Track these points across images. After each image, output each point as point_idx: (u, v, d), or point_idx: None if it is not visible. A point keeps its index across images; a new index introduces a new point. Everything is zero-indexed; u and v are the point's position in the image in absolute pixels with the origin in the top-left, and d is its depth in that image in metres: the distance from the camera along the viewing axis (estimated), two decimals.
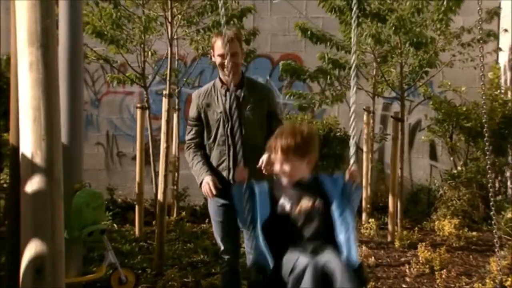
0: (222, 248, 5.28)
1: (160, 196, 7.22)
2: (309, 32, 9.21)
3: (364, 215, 10.17)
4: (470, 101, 10.77)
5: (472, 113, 10.58)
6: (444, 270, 7.28)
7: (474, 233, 9.63)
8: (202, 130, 5.25)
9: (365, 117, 10.37)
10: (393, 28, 8.52)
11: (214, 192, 4.88)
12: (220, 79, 5.27)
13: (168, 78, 7.41)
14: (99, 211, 6.00)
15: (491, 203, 5.42)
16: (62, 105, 5.76)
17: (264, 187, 3.99)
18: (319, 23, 10.83)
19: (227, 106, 5.15)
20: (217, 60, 5.20)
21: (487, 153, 5.60)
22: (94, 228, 5.86)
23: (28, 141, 3.27)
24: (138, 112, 8.80)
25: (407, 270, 7.57)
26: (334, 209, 3.84)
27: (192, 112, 5.31)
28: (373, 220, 9.72)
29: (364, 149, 10.41)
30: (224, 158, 5.17)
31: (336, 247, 3.74)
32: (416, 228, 9.53)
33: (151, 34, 8.78)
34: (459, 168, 10.84)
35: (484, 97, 4.81)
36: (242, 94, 5.20)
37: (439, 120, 10.81)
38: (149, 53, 9.08)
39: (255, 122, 5.14)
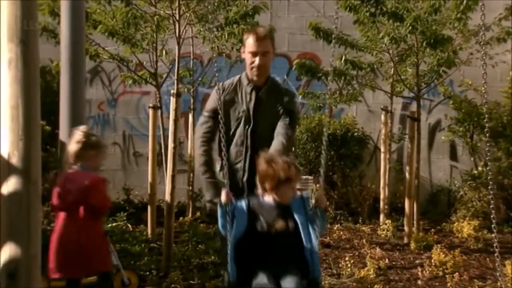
0: None
1: (167, 197, 7.12)
2: (321, 32, 9.07)
3: (381, 216, 10.02)
4: (491, 100, 10.55)
5: (493, 112, 10.39)
6: (457, 273, 7.10)
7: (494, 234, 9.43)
8: (217, 125, 5.01)
9: (383, 117, 10.22)
10: (410, 27, 8.36)
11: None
12: (247, 76, 5.12)
13: (176, 77, 7.31)
14: None
15: None
16: (63, 105, 5.78)
17: (243, 205, 4.31)
18: (337, 22, 10.65)
19: (251, 106, 5.03)
20: (247, 57, 5.07)
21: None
22: None
23: (6, 141, 3.19)
24: (151, 112, 8.72)
25: (420, 273, 7.41)
26: (301, 230, 4.23)
27: (212, 104, 5.01)
28: (389, 221, 9.57)
29: (382, 149, 10.24)
30: (240, 159, 5.04)
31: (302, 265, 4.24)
32: (432, 230, 9.34)
33: (163, 33, 8.71)
34: (479, 168, 10.63)
35: (486, 96, 4.57)
36: (262, 96, 5.06)
37: (459, 119, 10.61)
38: (163, 52, 9.00)
39: (269, 126, 4.99)
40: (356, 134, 10.97)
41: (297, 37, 11.53)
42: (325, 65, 9.98)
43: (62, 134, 5.80)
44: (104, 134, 11.59)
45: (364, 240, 8.95)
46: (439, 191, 11.41)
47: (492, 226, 4.24)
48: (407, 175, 9.17)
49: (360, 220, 10.47)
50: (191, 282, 6.81)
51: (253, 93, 5.04)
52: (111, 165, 11.40)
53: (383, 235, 9.47)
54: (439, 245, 8.05)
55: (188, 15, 7.56)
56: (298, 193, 4.41)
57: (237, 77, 5.19)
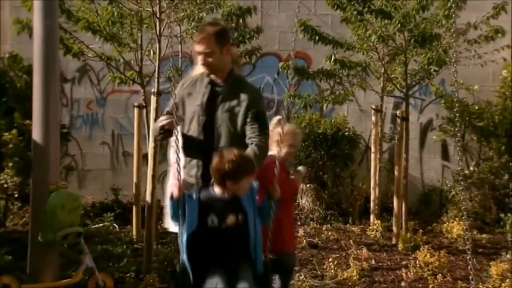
0: None
1: (148, 197, 7.04)
2: (311, 30, 8.97)
3: (372, 217, 9.93)
4: (483, 99, 10.46)
5: (484, 112, 10.29)
6: (440, 275, 7.01)
7: (484, 235, 9.38)
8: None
9: (373, 117, 10.11)
10: (399, 25, 8.27)
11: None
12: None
13: (157, 76, 7.22)
14: (75, 213, 5.78)
15: None
16: (36, 104, 5.68)
17: (194, 201, 4.31)
18: (328, 20, 10.59)
19: (205, 99, 4.94)
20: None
21: None
22: (69, 231, 5.66)
23: None
24: (136, 111, 8.65)
25: (404, 274, 7.31)
26: (249, 222, 4.35)
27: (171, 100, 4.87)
28: (378, 222, 9.49)
29: (373, 149, 10.14)
30: (194, 154, 4.92)
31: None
32: (420, 230, 9.24)
33: (150, 32, 8.62)
34: (471, 168, 10.53)
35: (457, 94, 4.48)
36: (221, 92, 4.96)
37: (451, 119, 10.51)
38: (151, 51, 8.89)
39: (226, 122, 4.87)
40: (347, 133, 10.87)
41: (288, 36, 11.41)
42: (316, 64, 9.88)
43: (35, 133, 5.70)
44: (93, 133, 11.53)
45: (351, 241, 8.85)
46: (431, 191, 11.30)
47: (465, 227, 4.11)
48: (396, 174, 9.07)
49: (350, 221, 10.37)
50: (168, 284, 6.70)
51: (208, 87, 4.97)
52: (100, 164, 11.33)
53: (372, 236, 9.40)
54: (426, 246, 7.96)
55: (170, 12, 7.45)
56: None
57: (200, 73, 5.12)
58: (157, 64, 7.34)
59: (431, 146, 11.47)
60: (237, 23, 8.98)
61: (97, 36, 8.31)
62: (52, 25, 5.73)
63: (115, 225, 9.64)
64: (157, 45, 7.32)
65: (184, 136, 4.97)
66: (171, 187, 4.54)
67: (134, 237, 8.75)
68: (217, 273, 4.21)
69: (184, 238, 4.27)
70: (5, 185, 8.83)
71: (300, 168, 5.90)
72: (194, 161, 4.92)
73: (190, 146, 4.93)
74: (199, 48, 4.85)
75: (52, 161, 5.73)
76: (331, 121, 10.93)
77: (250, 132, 4.80)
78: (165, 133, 4.82)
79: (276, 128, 5.25)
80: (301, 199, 10.53)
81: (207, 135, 4.88)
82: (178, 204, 4.29)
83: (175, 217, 4.33)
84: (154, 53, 8.83)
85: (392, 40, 8.74)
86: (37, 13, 5.68)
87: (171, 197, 4.30)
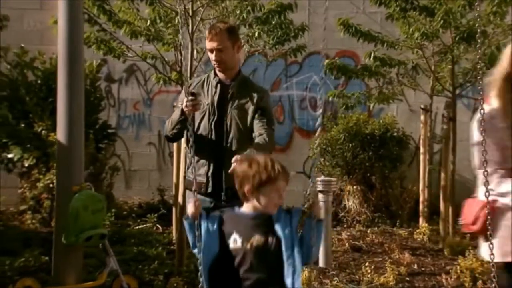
0: None
1: (180, 199, 6.97)
2: (353, 28, 8.75)
3: (421, 220, 9.65)
4: None
5: None
6: (480, 281, 6.72)
7: None
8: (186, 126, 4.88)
9: (422, 117, 9.83)
10: (441, 21, 7.99)
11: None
12: (215, 72, 4.98)
13: (188, 75, 7.13)
14: (99, 215, 5.73)
15: None
16: (60, 105, 5.65)
17: (213, 222, 3.55)
18: (377, 18, 10.35)
19: (216, 99, 4.87)
20: (208, 54, 4.97)
21: None
22: (93, 233, 5.61)
23: None
24: None
25: (444, 280, 7.05)
26: (284, 250, 3.44)
27: (180, 101, 4.87)
28: (425, 225, 9.22)
29: (421, 150, 9.85)
30: (204, 153, 4.82)
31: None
32: (468, 234, 8.89)
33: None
34: None
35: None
36: (231, 90, 4.89)
37: None
38: (195, 51, 8.82)
39: (236, 121, 4.82)
40: (395, 134, 10.61)
41: (335, 34, 11.19)
42: (364, 62, 9.67)
43: (59, 134, 5.67)
44: (140, 133, 11.56)
45: (394, 245, 8.61)
46: None
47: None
48: (442, 176, 8.78)
49: (398, 223, 10.12)
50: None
51: (218, 86, 4.90)
52: (147, 165, 11.34)
53: (419, 239, 9.13)
54: (472, 251, 7.65)
55: (203, 11, 7.36)
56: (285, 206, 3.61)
57: (206, 74, 5.09)
58: (189, 64, 7.26)
59: None
60: (279, 20, 8.79)
61: (139, 36, 8.29)
62: (77, 26, 5.68)
63: (158, 226, 9.63)
64: (189, 44, 7.22)
65: (194, 135, 4.86)
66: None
67: (174, 239, 8.68)
68: None
69: (204, 267, 3.49)
70: (51, 185, 8.89)
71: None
72: (203, 160, 4.83)
73: (200, 145, 4.82)
74: (211, 44, 4.78)
75: (76, 162, 5.70)
76: (379, 122, 10.68)
77: (259, 126, 4.74)
78: (184, 120, 4.72)
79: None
80: (348, 201, 10.33)
81: (217, 134, 4.82)
82: (195, 226, 3.56)
83: (194, 242, 3.56)
84: (198, 52, 8.78)
85: (437, 38, 8.45)
86: (61, 13, 5.65)
87: (185, 218, 3.64)
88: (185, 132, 4.85)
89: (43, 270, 6.40)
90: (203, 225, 3.54)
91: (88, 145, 9.47)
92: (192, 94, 4.67)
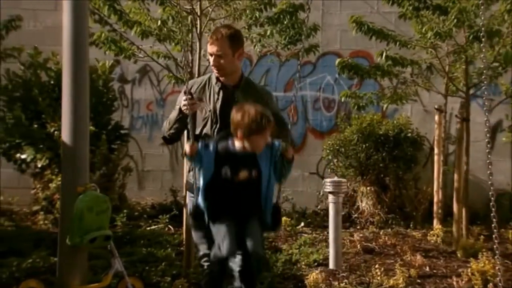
0: (201, 253, 4.97)
1: (187, 200, 6.90)
2: (365, 26, 8.67)
3: (435, 221, 9.56)
4: None
5: None
6: (491, 284, 6.60)
7: None
8: (185, 125, 4.88)
9: (436, 117, 9.73)
10: (455, 20, 7.89)
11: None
12: (216, 76, 4.93)
13: (196, 75, 7.09)
14: (104, 216, 5.65)
15: None
16: (64, 105, 5.62)
17: (211, 151, 4.42)
18: (391, 18, 10.25)
19: (218, 106, 4.81)
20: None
21: None
22: (97, 234, 5.54)
23: None
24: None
25: (455, 283, 6.94)
26: (262, 178, 4.46)
27: (179, 102, 4.88)
28: (439, 227, 9.12)
29: (436, 150, 9.76)
30: None
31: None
32: (482, 236, 8.77)
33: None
34: None
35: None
36: (236, 96, 4.83)
37: None
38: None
39: None
40: (410, 135, 10.51)
41: (349, 34, 11.12)
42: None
43: (64, 134, 5.64)
44: (153, 134, 11.54)
45: (406, 247, 8.51)
46: (501, 195, 10.77)
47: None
48: (455, 177, 8.68)
49: (412, 225, 10.02)
50: None
51: (221, 93, 4.85)
52: (160, 166, 11.32)
53: (432, 241, 9.04)
54: (485, 253, 7.54)
55: (211, 11, 7.32)
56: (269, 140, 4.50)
57: (207, 76, 5.05)
58: (197, 64, 7.22)
59: (500, 148, 10.99)
60: (290, 20, 8.73)
61: (150, 36, 8.27)
62: (81, 26, 5.65)
63: (170, 227, 9.62)
64: (198, 44, 7.19)
65: (196, 136, 4.84)
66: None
67: (184, 240, 8.64)
68: (226, 223, 4.40)
69: (201, 183, 4.44)
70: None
71: None
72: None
73: None
74: (211, 49, 4.76)
75: (81, 163, 5.65)
76: (394, 122, 10.59)
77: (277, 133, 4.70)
78: (183, 118, 4.80)
79: None
80: (361, 202, 10.25)
81: None
82: (194, 158, 4.44)
83: (195, 164, 4.52)
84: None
85: (450, 37, 8.34)
86: (66, 13, 5.61)
87: (184, 154, 4.48)
88: (185, 134, 4.85)
89: (52, 271, 6.37)
90: (204, 154, 4.41)
91: (101, 146, 9.50)
92: (190, 93, 4.69)
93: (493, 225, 3.66)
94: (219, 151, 4.43)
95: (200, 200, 4.50)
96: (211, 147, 4.43)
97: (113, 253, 5.82)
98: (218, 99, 4.83)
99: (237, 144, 4.45)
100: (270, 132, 4.43)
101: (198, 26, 7.17)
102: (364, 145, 10.26)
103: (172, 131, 4.89)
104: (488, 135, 3.89)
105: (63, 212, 5.70)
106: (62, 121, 5.68)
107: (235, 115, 4.38)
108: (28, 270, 6.74)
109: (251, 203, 4.49)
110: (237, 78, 4.92)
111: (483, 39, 5.06)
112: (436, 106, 9.78)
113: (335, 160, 10.60)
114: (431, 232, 9.26)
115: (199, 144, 4.43)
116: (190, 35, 8.17)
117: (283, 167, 4.59)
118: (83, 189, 5.57)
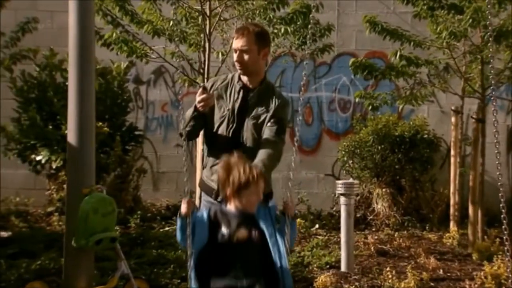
0: None
1: (197, 202, 6.85)
2: (379, 26, 8.58)
3: (451, 223, 9.44)
4: None
5: None
6: (503, 287, 6.50)
7: None
8: (204, 122, 4.72)
9: (453, 119, 9.61)
10: (470, 20, 7.78)
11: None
12: (239, 75, 4.80)
13: (206, 75, 7.06)
14: (109, 218, 5.63)
15: None
16: (70, 106, 5.61)
17: (203, 215, 3.97)
18: (407, 19, 10.16)
19: (236, 106, 4.70)
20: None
21: None
22: (103, 236, 5.52)
23: None
24: None
25: (467, 286, 6.84)
26: (268, 238, 3.92)
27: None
28: (455, 229, 9.00)
29: (452, 152, 9.64)
30: (221, 159, 4.72)
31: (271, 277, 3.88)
32: (498, 239, 8.63)
33: (219, 33, 8.52)
34: None
35: None
36: (250, 98, 4.72)
37: None
38: (220, 52, 8.75)
39: (255, 129, 4.64)
40: (426, 136, 10.39)
41: (365, 35, 11.04)
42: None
43: (70, 135, 5.62)
44: (168, 135, 11.52)
45: (421, 249, 8.40)
46: None
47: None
48: (471, 179, 8.56)
49: (427, 227, 9.92)
50: None
51: (241, 93, 4.71)
52: (175, 167, 11.28)
53: (448, 244, 8.92)
54: (500, 256, 7.42)
55: (220, 10, 7.29)
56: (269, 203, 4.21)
57: (231, 74, 4.89)
58: (206, 64, 7.18)
59: None
60: (304, 21, 8.68)
61: (161, 36, 8.27)
62: (87, 26, 5.64)
63: None
64: (207, 44, 7.16)
65: (211, 139, 4.77)
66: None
67: None
68: None
69: (194, 257, 3.85)
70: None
71: None
72: (217, 166, 4.70)
73: (216, 151, 4.72)
74: (237, 44, 4.63)
75: (86, 164, 5.63)
76: (410, 123, 10.48)
77: (268, 132, 4.58)
78: (198, 115, 4.61)
79: None
80: (376, 203, 10.16)
81: (234, 142, 4.64)
82: (187, 223, 3.89)
83: (182, 237, 3.90)
84: (223, 54, 8.71)
85: (466, 37, 8.24)
86: (72, 13, 5.62)
87: (179, 215, 3.93)
88: (201, 132, 4.76)
89: (60, 273, 6.35)
90: (195, 218, 3.92)
91: (115, 147, 9.51)
92: (204, 88, 4.61)
93: (503, 226, 3.58)
94: (212, 215, 3.94)
95: (192, 275, 3.87)
96: (204, 212, 3.99)
97: (119, 255, 5.80)
98: (237, 98, 4.71)
99: (229, 205, 3.97)
100: (262, 186, 3.96)
101: (207, 26, 7.12)
102: (380, 147, 10.17)
103: (188, 128, 4.73)
104: (496, 136, 3.79)
105: (68, 213, 5.69)
106: (68, 121, 5.67)
107: (220, 173, 3.98)
108: (37, 271, 6.74)
109: (255, 271, 3.85)
110: (258, 80, 4.77)
111: (490, 39, 4.93)
112: (452, 107, 9.66)
113: (350, 162, 10.52)
114: (447, 235, 9.14)
115: (193, 213, 3.94)
116: (202, 36, 8.18)
117: (286, 227, 3.99)
118: (88, 190, 5.55)
